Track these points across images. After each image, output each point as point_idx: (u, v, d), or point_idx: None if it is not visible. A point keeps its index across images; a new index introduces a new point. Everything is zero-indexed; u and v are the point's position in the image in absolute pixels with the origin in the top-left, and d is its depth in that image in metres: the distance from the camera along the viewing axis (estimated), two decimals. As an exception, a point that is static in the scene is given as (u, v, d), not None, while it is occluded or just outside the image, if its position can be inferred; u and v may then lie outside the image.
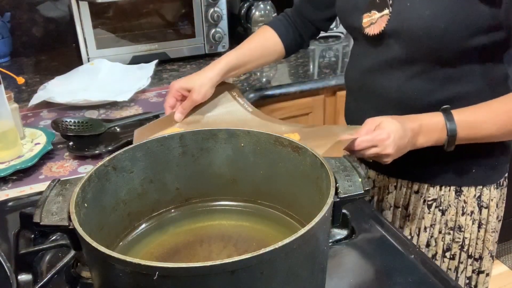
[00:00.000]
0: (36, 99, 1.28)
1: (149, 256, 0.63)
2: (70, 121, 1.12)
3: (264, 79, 1.54)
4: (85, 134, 1.09)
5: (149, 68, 1.46)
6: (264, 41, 1.17)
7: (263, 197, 0.70)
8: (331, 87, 1.54)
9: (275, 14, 1.84)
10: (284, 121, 1.10)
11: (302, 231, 0.46)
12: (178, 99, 1.07)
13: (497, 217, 1.03)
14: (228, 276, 0.44)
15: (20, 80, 1.22)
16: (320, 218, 0.49)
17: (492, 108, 0.85)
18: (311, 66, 1.65)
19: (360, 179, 0.57)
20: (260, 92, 1.45)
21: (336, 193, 0.55)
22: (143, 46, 1.61)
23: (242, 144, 0.68)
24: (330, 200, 0.52)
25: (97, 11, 1.53)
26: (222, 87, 1.13)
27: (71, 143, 1.06)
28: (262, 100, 1.45)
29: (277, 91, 1.47)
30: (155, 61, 1.50)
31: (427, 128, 0.85)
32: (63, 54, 1.77)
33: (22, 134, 1.08)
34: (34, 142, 1.06)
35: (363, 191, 0.56)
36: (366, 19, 0.94)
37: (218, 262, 0.43)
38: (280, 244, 0.45)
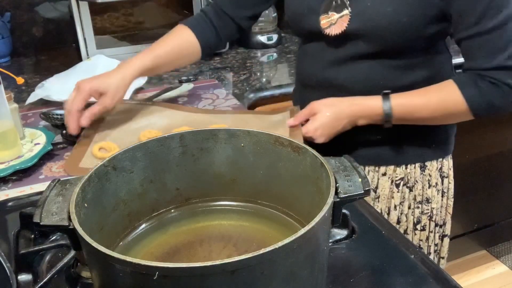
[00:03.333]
0: (33, 97, 1.28)
1: (149, 256, 0.63)
2: (56, 113, 1.19)
3: (264, 79, 1.54)
4: None
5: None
6: (181, 43, 1.13)
7: (263, 197, 0.70)
8: (331, 87, 1.54)
9: (275, 14, 1.83)
10: (217, 112, 1.12)
11: (302, 231, 0.46)
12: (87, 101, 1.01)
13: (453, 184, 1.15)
14: (228, 276, 0.44)
15: (20, 80, 1.22)
16: (320, 218, 0.49)
17: (427, 95, 0.95)
18: (311, 66, 1.65)
19: (360, 179, 0.57)
20: (260, 92, 1.45)
21: (336, 193, 0.55)
22: (143, 46, 1.61)
23: (242, 144, 0.68)
24: (330, 200, 0.52)
25: (97, 11, 1.53)
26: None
27: (64, 131, 1.10)
28: (262, 100, 1.45)
29: (277, 91, 1.47)
30: None
31: (366, 112, 0.96)
32: (63, 54, 1.77)
33: (22, 134, 1.08)
34: (34, 142, 1.06)
35: (363, 191, 0.56)
36: (324, 21, 0.97)
37: (218, 262, 0.43)
38: (280, 244, 0.45)
